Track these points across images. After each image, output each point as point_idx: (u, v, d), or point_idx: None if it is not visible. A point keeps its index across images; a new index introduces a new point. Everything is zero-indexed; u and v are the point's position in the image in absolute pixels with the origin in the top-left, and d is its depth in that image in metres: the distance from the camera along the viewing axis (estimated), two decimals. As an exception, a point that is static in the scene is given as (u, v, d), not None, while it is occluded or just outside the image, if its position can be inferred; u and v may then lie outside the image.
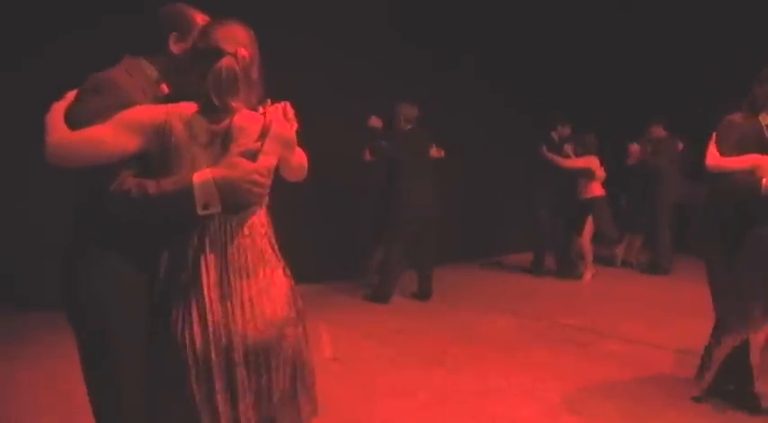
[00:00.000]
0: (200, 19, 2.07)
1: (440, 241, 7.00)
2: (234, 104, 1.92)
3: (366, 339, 5.02)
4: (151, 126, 1.87)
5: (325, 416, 2.29)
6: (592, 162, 7.14)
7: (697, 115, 6.75)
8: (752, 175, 3.37)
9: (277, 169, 2.08)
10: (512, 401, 3.79)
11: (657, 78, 8.48)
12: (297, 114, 2.17)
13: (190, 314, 1.90)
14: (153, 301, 1.95)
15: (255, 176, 1.91)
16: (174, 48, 2.06)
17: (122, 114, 1.86)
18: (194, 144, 1.90)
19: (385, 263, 6.29)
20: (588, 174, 7.13)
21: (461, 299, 6.40)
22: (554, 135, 7.38)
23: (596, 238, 7.44)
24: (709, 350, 3.70)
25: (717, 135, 3.56)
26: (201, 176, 1.86)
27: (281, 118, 2.08)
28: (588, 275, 7.31)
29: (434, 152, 6.31)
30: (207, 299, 1.90)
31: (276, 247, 2.06)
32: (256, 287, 1.95)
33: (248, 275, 1.95)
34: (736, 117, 3.56)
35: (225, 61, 1.90)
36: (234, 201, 1.91)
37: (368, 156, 6.22)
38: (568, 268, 7.41)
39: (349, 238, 7.00)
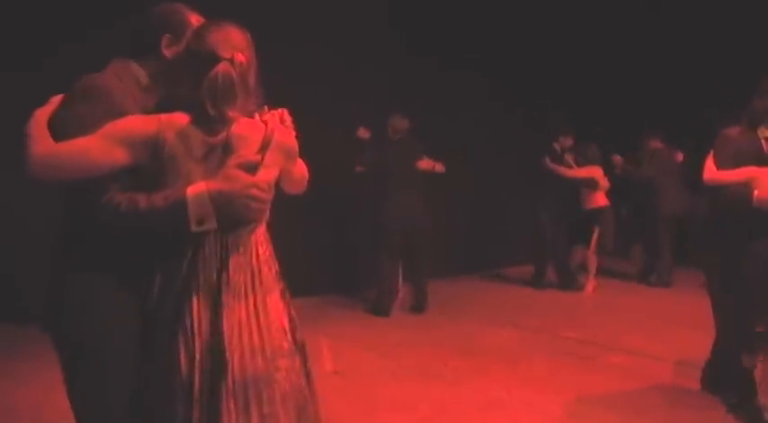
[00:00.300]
0: (195, 20, 1.94)
1: (440, 253, 7.01)
2: (231, 114, 1.79)
3: (367, 352, 5.01)
4: (142, 138, 1.74)
5: (326, 430, 2.28)
6: (595, 172, 7.15)
7: (699, 126, 6.79)
8: (746, 187, 3.38)
9: (276, 181, 1.97)
10: (513, 414, 3.77)
11: (660, 89, 8.48)
12: (294, 122, 2.06)
13: (176, 338, 1.77)
14: (143, 323, 1.81)
15: (254, 191, 1.77)
16: (167, 51, 1.91)
17: (111, 125, 1.73)
18: (189, 157, 1.77)
19: (376, 275, 6.30)
20: (592, 184, 7.14)
21: (462, 311, 6.38)
22: (556, 146, 7.39)
23: (598, 248, 7.43)
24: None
25: (714, 149, 3.58)
26: (195, 190, 1.73)
27: (283, 126, 1.97)
28: (590, 288, 7.29)
29: (424, 163, 6.30)
30: (196, 322, 1.77)
31: (276, 268, 1.94)
32: (246, 311, 1.81)
33: (239, 297, 1.81)
34: (733, 131, 3.59)
35: (221, 67, 1.76)
36: (230, 216, 1.77)
37: (358, 167, 6.28)
38: (569, 280, 7.40)
39: (344, 251, 7.00)
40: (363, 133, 6.22)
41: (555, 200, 7.36)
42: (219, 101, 1.76)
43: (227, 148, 1.80)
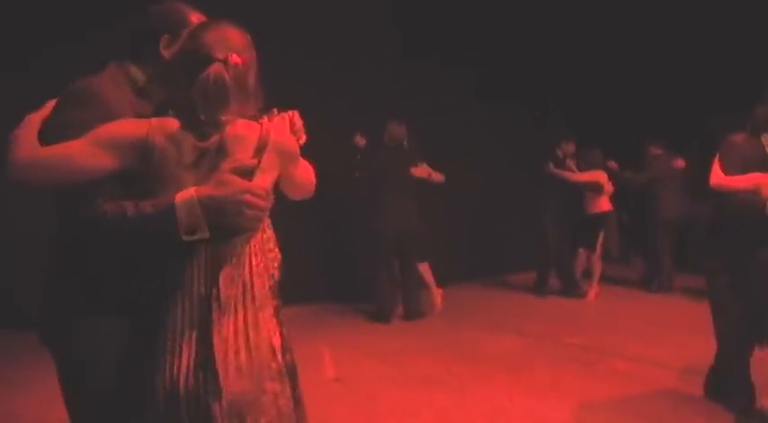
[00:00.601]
0: (197, 19, 1.85)
1: (442, 260, 6.98)
2: (223, 118, 1.68)
3: (368, 359, 4.99)
4: (130, 143, 1.63)
5: (328, 437, 2.26)
6: (599, 176, 7.16)
7: (702, 132, 6.79)
8: (756, 194, 3.38)
9: (278, 186, 1.85)
10: (516, 421, 3.75)
11: (663, 94, 8.49)
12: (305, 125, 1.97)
13: (162, 355, 1.65)
14: (131, 337, 1.71)
15: (248, 197, 1.63)
16: (165, 52, 1.82)
17: (99, 129, 1.64)
18: (180, 163, 1.66)
19: (375, 281, 6.29)
20: (596, 188, 7.14)
21: (464, 318, 6.36)
22: (559, 152, 7.39)
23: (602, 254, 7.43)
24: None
25: (720, 155, 3.58)
26: (184, 196, 1.61)
27: (283, 127, 1.86)
28: (592, 294, 7.28)
29: (419, 171, 6.30)
30: (185, 338, 1.65)
31: (271, 282, 1.79)
32: (234, 327, 1.67)
33: (228, 312, 1.67)
34: (738, 137, 3.60)
35: (212, 69, 1.65)
36: (223, 224, 1.64)
37: (356, 173, 6.30)
38: (572, 287, 7.38)
39: (343, 258, 6.98)
40: (359, 140, 6.24)
41: (558, 205, 7.36)
42: (210, 104, 1.66)
43: (220, 151, 1.69)
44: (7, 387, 4.24)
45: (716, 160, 3.57)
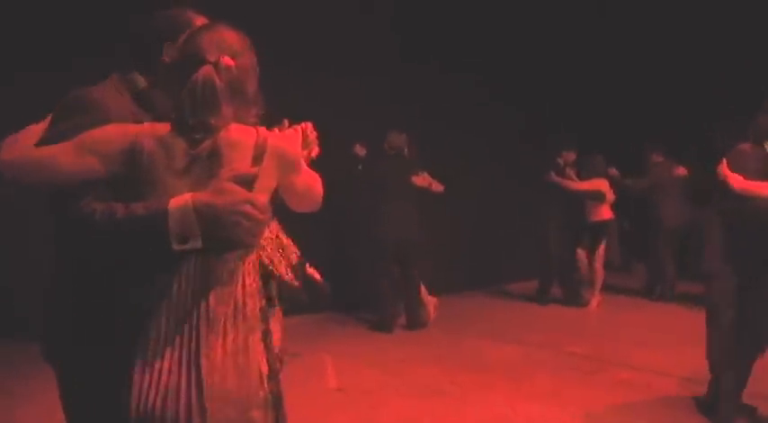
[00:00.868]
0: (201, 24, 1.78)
1: (444, 269, 6.97)
2: (213, 123, 1.58)
3: (370, 369, 4.98)
4: (117, 147, 1.56)
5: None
6: (601, 184, 7.16)
7: (702, 140, 6.80)
8: None
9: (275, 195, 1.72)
10: (518, 431, 3.75)
11: (663, 102, 8.50)
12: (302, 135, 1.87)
13: (142, 377, 1.54)
14: (113, 354, 1.61)
15: (247, 207, 1.53)
16: (166, 57, 1.76)
17: (86, 133, 1.57)
18: (170, 168, 1.57)
19: (376, 291, 6.29)
20: (598, 196, 7.15)
21: (466, 327, 6.35)
22: (560, 160, 7.39)
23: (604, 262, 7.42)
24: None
25: (731, 162, 3.58)
26: (179, 202, 1.51)
27: (296, 139, 1.78)
28: (594, 303, 7.27)
29: (420, 180, 6.31)
30: (167, 360, 1.53)
31: (261, 304, 1.67)
32: (223, 349, 1.55)
33: (217, 332, 1.55)
34: (746, 146, 3.62)
35: (202, 71, 1.57)
36: (217, 235, 1.53)
37: (358, 182, 6.30)
38: (574, 296, 7.37)
39: (344, 267, 6.97)
40: (359, 150, 6.24)
41: (560, 213, 7.36)
42: (200, 108, 1.57)
43: (213, 157, 1.58)
44: (8, 398, 4.23)
45: (723, 166, 3.57)
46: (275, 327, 1.75)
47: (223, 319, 1.56)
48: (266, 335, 1.65)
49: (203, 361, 1.53)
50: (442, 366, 5.00)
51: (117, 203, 1.54)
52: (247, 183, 1.57)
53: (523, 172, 7.57)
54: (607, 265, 7.46)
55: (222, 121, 1.59)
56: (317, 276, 1.99)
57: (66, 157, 1.55)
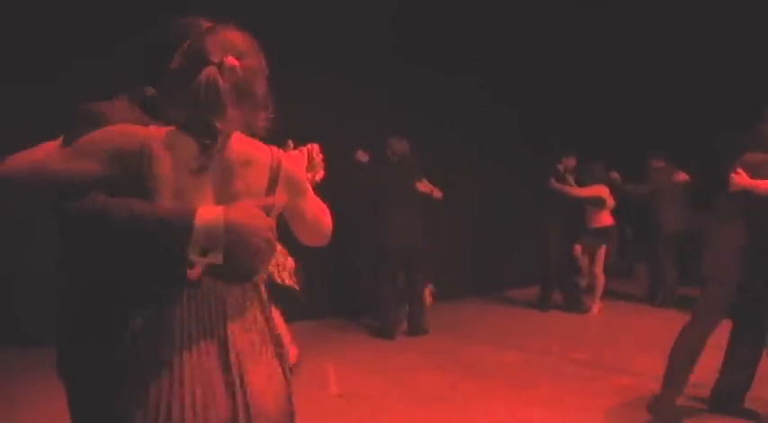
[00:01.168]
0: None
1: (445, 276, 6.97)
2: (219, 125, 1.52)
3: (372, 376, 4.97)
4: (120, 151, 1.48)
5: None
6: (601, 191, 7.17)
7: (703, 145, 6.80)
8: None
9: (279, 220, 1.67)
10: (520, 437, 3.74)
11: (664, 108, 8.50)
12: (299, 144, 1.84)
13: (157, 407, 1.48)
14: (121, 379, 1.55)
15: (270, 234, 1.51)
16: (174, 63, 1.69)
17: (85, 137, 1.51)
18: (179, 174, 1.51)
19: (378, 297, 6.29)
20: (599, 202, 7.15)
21: (468, 334, 6.34)
22: (560, 167, 7.40)
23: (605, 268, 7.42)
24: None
25: (747, 169, 3.58)
26: (210, 212, 1.46)
27: (301, 162, 1.73)
28: (595, 309, 7.26)
29: (423, 186, 6.32)
30: (188, 389, 1.47)
31: (272, 324, 1.66)
32: (258, 375, 1.55)
33: (251, 359, 1.55)
34: (759, 156, 3.64)
35: (205, 72, 1.51)
36: (239, 256, 1.50)
37: (360, 188, 6.29)
38: (575, 302, 7.37)
39: (347, 273, 6.97)
40: (362, 156, 6.23)
41: (560, 220, 7.36)
42: (204, 110, 1.51)
43: (226, 170, 1.55)
44: (9, 404, 4.22)
45: (741, 174, 3.57)
46: (282, 330, 1.75)
47: (247, 343, 1.55)
48: (279, 351, 1.65)
49: (249, 389, 1.52)
50: (444, 373, 5.00)
51: (133, 199, 1.48)
52: (267, 210, 1.56)
53: (525, 177, 7.58)
54: (608, 271, 7.45)
55: (228, 124, 1.53)
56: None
57: (57, 161, 1.48)
